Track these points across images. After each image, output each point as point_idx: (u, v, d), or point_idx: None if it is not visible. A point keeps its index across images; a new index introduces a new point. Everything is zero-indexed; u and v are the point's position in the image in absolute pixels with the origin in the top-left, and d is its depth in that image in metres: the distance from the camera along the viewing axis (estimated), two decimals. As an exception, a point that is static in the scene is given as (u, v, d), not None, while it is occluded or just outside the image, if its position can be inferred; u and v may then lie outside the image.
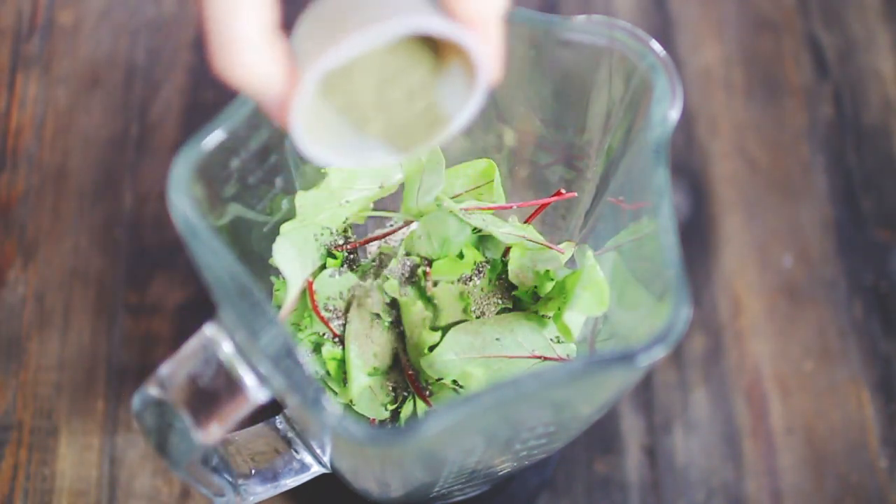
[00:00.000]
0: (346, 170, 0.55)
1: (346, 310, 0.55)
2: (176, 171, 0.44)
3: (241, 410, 0.45)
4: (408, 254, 0.56)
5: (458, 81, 0.42)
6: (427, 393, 0.55)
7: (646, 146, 0.46)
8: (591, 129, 0.53)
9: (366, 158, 0.43)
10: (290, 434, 0.56)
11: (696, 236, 0.77)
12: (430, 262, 0.56)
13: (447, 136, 0.43)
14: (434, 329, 0.54)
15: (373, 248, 0.59)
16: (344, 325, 0.55)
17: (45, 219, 0.75)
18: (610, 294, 0.52)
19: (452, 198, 0.57)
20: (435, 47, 0.42)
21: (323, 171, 0.54)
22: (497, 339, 0.54)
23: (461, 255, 0.56)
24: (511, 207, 0.57)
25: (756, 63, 0.82)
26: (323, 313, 0.55)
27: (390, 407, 0.55)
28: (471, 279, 0.56)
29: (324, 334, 0.55)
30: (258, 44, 0.38)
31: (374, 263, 0.57)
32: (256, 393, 0.45)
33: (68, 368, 0.71)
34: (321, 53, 0.39)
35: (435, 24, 0.39)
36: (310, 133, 0.41)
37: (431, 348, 0.53)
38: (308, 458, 0.56)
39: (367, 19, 0.38)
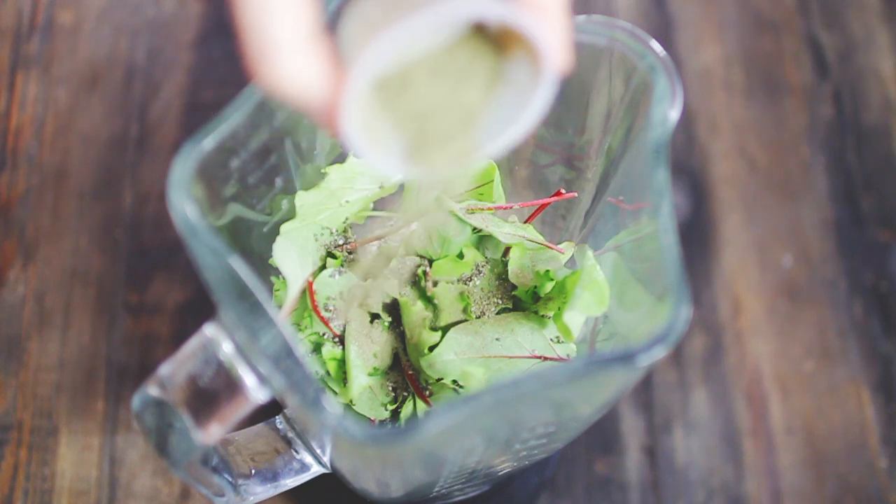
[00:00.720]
0: (347, 170, 0.55)
1: (347, 310, 0.55)
2: (176, 171, 0.44)
3: (241, 410, 0.45)
4: (408, 254, 0.56)
5: (519, 87, 0.39)
6: (427, 393, 0.55)
7: (646, 146, 0.46)
8: (591, 129, 0.53)
9: (412, 172, 0.40)
10: (290, 434, 0.56)
11: (696, 236, 0.77)
12: (430, 262, 0.56)
13: (497, 149, 0.40)
14: (434, 329, 0.54)
15: (373, 248, 0.59)
16: (344, 325, 0.55)
17: (45, 219, 0.75)
18: (610, 294, 0.52)
19: (452, 198, 0.57)
20: (496, 51, 0.39)
21: (323, 170, 0.54)
22: (497, 339, 0.54)
23: (461, 255, 0.56)
24: (511, 207, 0.57)
25: (756, 63, 0.82)
26: (323, 313, 0.55)
27: (390, 407, 0.55)
28: (471, 279, 0.56)
29: (324, 334, 0.55)
30: (298, 47, 0.34)
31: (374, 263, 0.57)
32: (256, 393, 0.45)
33: (68, 368, 0.71)
34: (370, 44, 0.35)
35: (494, 9, 0.36)
36: (365, 137, 0.38)
37: (431, 348, 0.53)
38: (308, 458, 0.56)
39: (419, 4, 0.35)
